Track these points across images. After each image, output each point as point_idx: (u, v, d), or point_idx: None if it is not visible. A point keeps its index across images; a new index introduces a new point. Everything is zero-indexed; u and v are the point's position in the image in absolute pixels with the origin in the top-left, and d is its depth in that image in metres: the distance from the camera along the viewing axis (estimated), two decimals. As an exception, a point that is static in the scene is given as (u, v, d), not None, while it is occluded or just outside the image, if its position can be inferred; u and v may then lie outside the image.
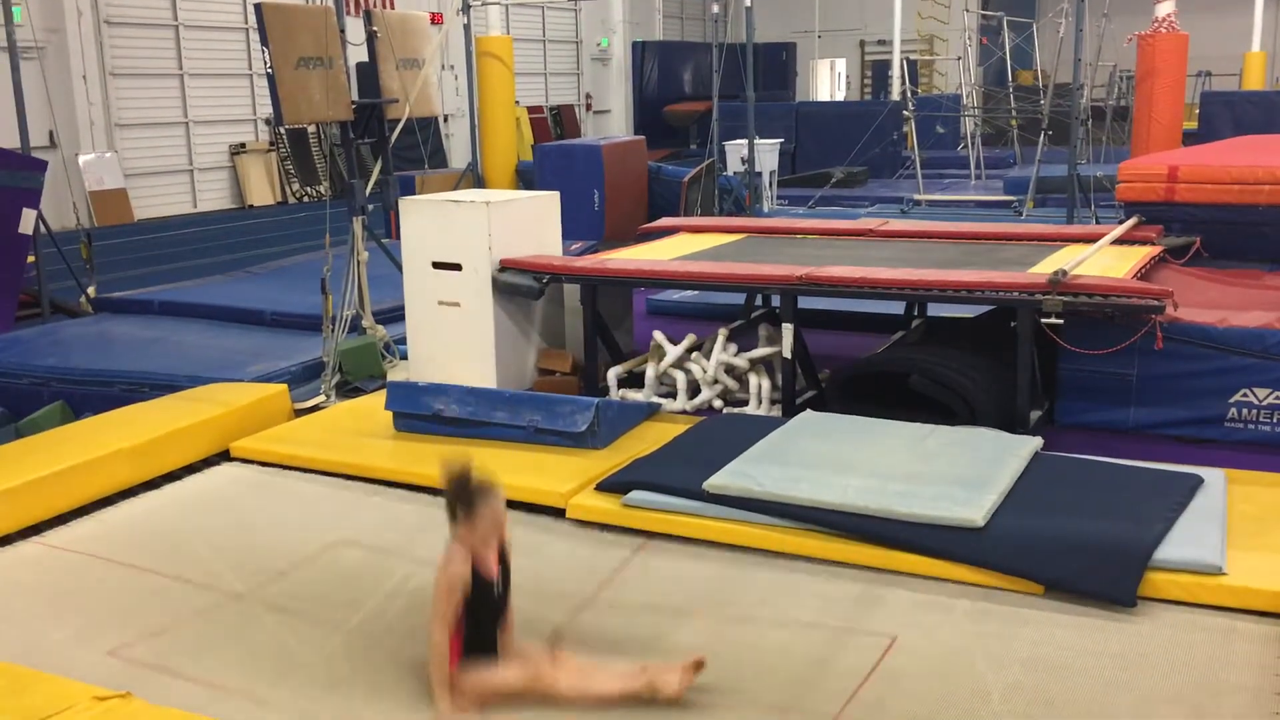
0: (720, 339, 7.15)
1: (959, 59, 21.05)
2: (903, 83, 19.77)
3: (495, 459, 5.62)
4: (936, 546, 4.47)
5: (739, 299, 8.50)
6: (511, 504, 5.21)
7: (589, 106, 26.44)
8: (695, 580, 4.55)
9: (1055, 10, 17.28)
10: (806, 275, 6.54)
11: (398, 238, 8.20)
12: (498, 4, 17.13)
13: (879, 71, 29.14)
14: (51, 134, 13.87)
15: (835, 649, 3.97)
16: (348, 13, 10.17)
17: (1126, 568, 4.20)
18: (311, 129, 17.76)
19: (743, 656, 3.91)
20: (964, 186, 17.21)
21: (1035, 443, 5.38)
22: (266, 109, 17.22)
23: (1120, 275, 6.39)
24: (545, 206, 7.81)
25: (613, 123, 26.67)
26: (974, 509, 4.56)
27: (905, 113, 18.23)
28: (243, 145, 17.55)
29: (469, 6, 15.92)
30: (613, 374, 7.24)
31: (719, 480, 4.95)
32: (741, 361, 7.02)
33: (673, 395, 7.07)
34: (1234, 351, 5.98)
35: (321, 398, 7.11)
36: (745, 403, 6.93)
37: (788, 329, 6.53)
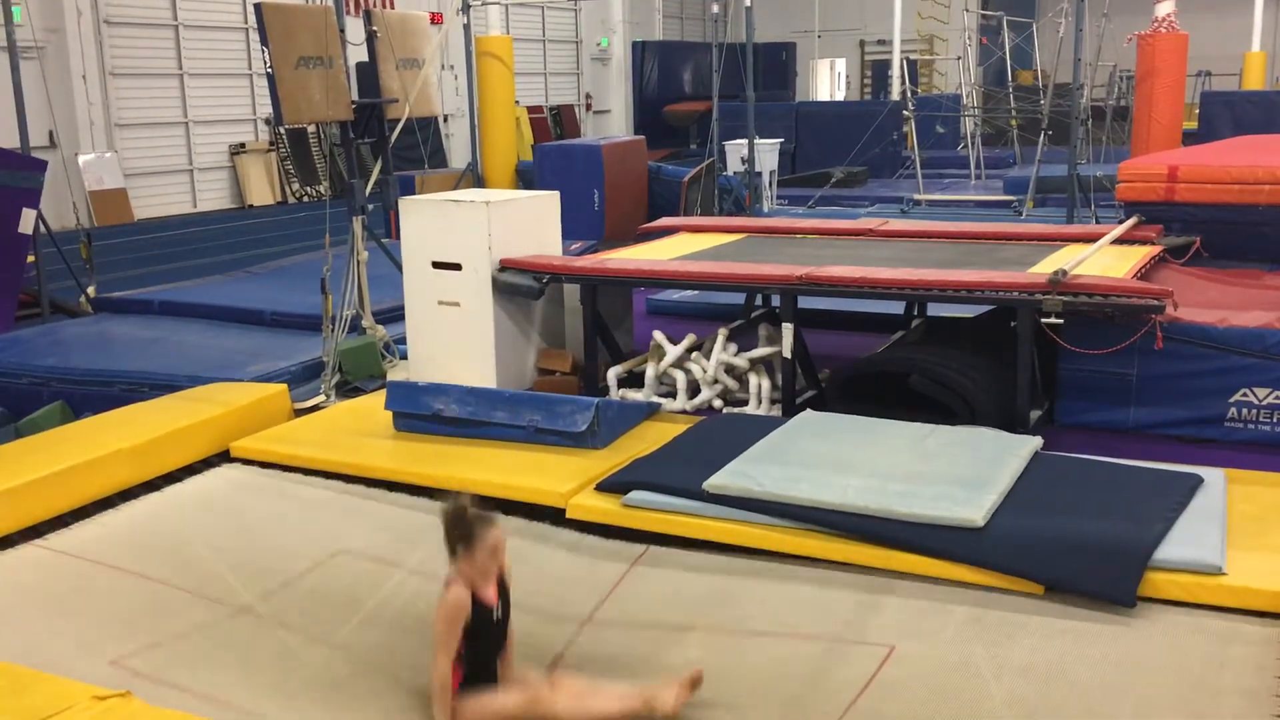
0: (720, 339, 7.15)
1: (959, 59, 21.05)
2: (903, 83, 19.77)
3: (495, 459, 5.65)
4: (936, 546, 4.46)
5: (739, 299, 8.50)
6: (511, 504, 5.26)
7: (589, 106, 26.44)
8: (693, 592, 4.52)
9: (1055, 10, 17.29)
10: (806, 275, 6.54)
11: (398, 238, 8.20)
12: (498, 4, 17.13)
13: (879, 71, 29.15)
14: (51, 134, 13.87)
15: (832, 660, 3.95)
16: (348, 12, 10.17)
17: (1126, 568, 4.19)
18: (311, 129, 17.76)
19: (740, 671, 3.90)
20: (964, 186, 17.21)
21: (1035, 443, 5.38)
22: (266, 109, 17.21)
23: (1120, 275, 6.39)
24: (545, 206, 7.81)
25: (613, 123, 26.67)
26: (974, 509, 4.55)
27: (905, 113, 18.23)
28: (242, 145, 17.55)
29: (469, 6, 15.92)
30: (613, 374, 7.24)
31: (719, 480, 4.95)
32: (741, 361, 7.01)
33: (673, 395, 7.07)
34: (1234, 351, 5.98)
35: (321, 398, 7.11)
36: (745, 403, 6.93)
37: (788, 329, 6.52)
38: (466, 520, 3.61)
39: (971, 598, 4.29)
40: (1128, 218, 8.40)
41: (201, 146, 17.02)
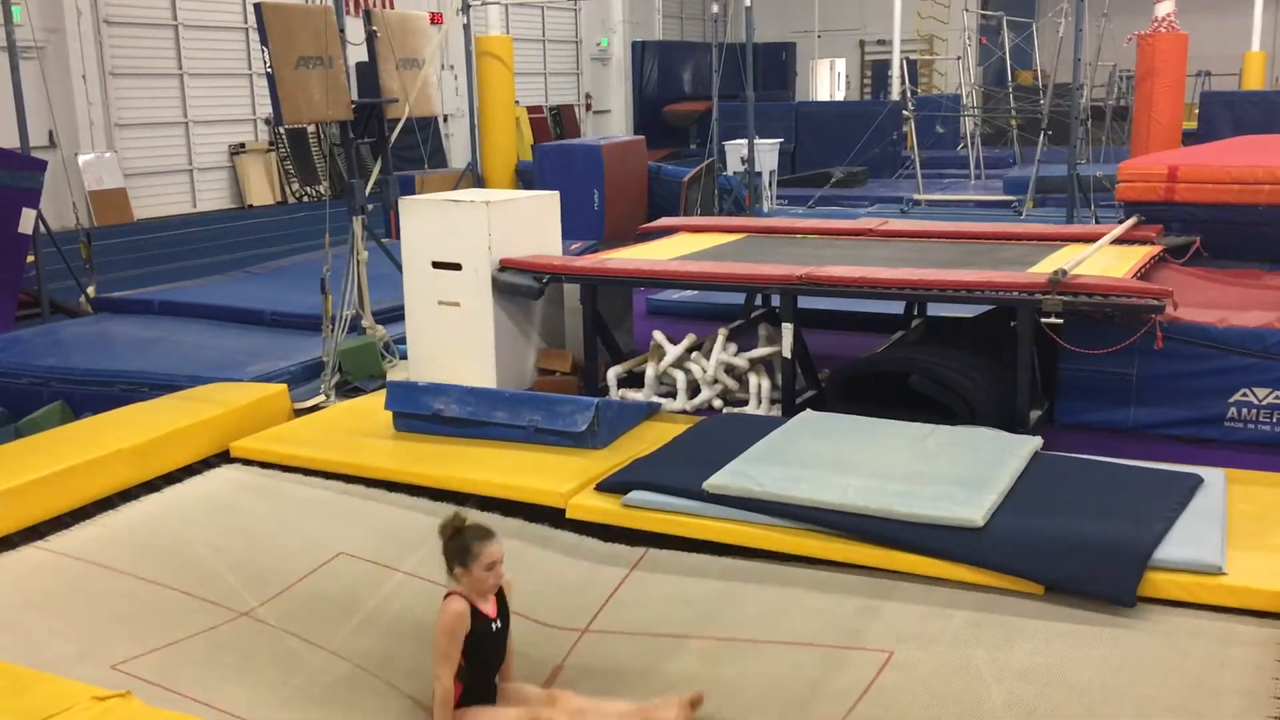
0: (720, 339, 7.15)
1: (959, 59, 21.05)
2: (902, 83, 19.77)
3: (495, 459, 5.65)
4: (936, 546, 4.46)
5: (739, 299, 8.50)
6: (511, 504, 5.26)
7: (589, 106, 26.43)
8: (692, 599, 4.51)
9: (1055, 10, 17.29)
10: (806, 275, 6.54)
11: (398, 237, 8.20)
12: (497, 4, 17.13)
13: (879, 71, 29.15)
14: (51, 134, 13.87)
15: (831, 668, 3.94)
16: (347, 12, 10.17)
17: (1126, 568, 4.19)
18: (311, 129, 17.75)
19: (739, 681, 3.90)
20: (964, 186, 17.22)
21: (1035, 442, 5.38)
22: (266, 109, 17.21)
23: (1120, 275, 6.39)
24: (545, 206, 7.81)
25: (613, 123, 26.66)
26: (974, 509, 4.55)
27: (905, 113, 18.23)
28: (242, 145, 17.55)
29: (469, 6, 15.92)
30: (613, 374, 7.24)
31: (719, 480, 4.95)
32: (741, 361, 7.01)
33: (673, 395, 7.07)
34: (1234, 351, 5.98)
35: (321, 398, 7.11)
36: (745, 403, 6.93)
37: (788, 329, 6.52)
38: (464, 536, 3.63)
39: (971, 599, 4.29)
40: (1128, 218, 8.40)
41: (201, 146, 17.01)
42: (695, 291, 9.06)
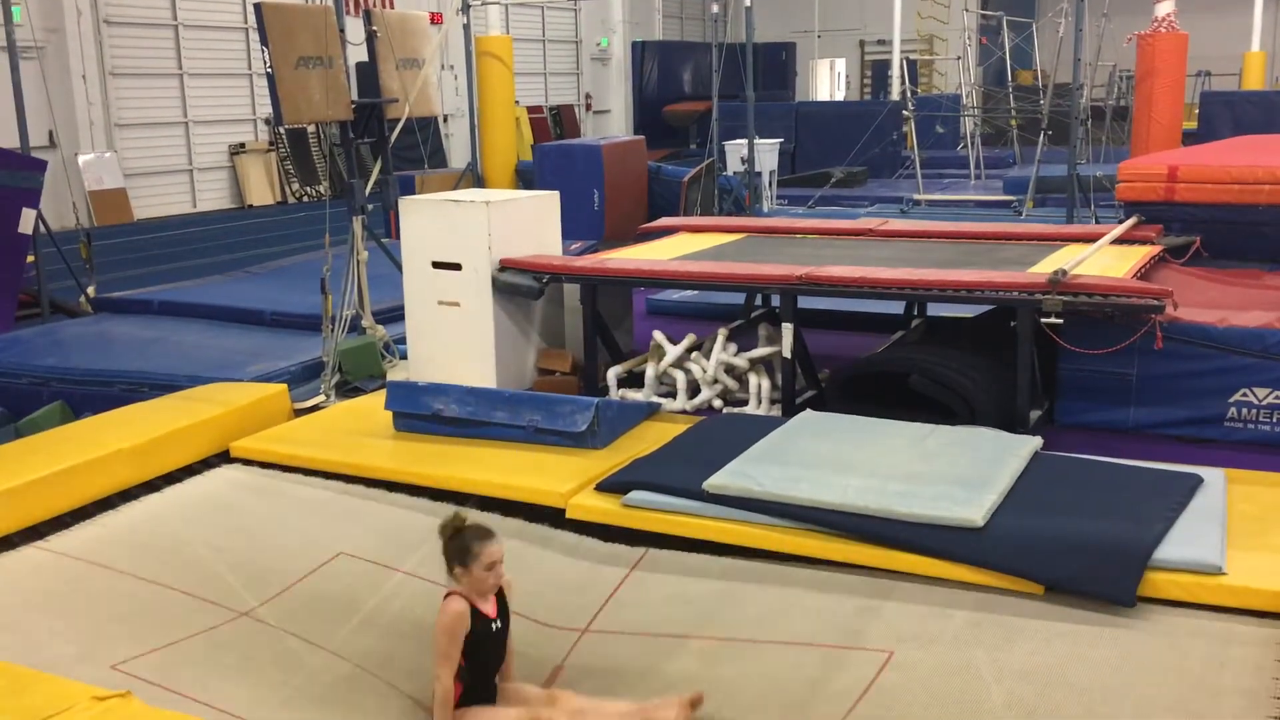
0: (720, 339, 7.15)
1: (959, 59, 21.05)
2: (902, 83, 19.77)
3: (495, 459, 5.65)
4: (936, 546, 4.46)
5: (739, 299, 8.50)
6: (511, 504, 5.26)
7: (589, 106, 26.43)
8: (692, 599, 4.51)
9: (1055, 10, 17.29)
10: (806, 275, 6.54)
11: (397, 237, 8.19)
12: (497, 4, 17.13)
13: (879, 71, 29.14)
14: (51, 134, 13.86)
15: (831, 668, 3.94)
16: (347, 12, 10.16)
17: (1126, 568, 4.19)
18: (311, 129, 17.75)
19: (739, 681, 3.90)
20: (964, 186, 17.21)
21: (1035, 442, 5.38)
22: (266, 109, 17.20)
23: (1120, 275, 6.39)
24: (545, 206, 7.81)
25: (613, 123, 26.66)
26: (974, 509, 4.55)
27: (905, 113, 18.23)
28: (242, 145, 17.54)
29: (469, 6, 15.92)
30: (613, 374, 7.24)
31: (719, 480, 4.95)
32: (741, 361, 7.01)
33: (673, 395, 7.07)
34: (1234, 351, 5.98)
35: (321, 398, 7.11)
36: (745, 403, 6.93)
37: (787, 329, 6.52)
38: (464, 536, 3.63)
39: (971, 599, 4.29)
40: (1128, 218, 8.40)
41: (201, 146, 17.01)
42: (695, 291, 9.06)
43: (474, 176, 15.83)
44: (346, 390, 7.28)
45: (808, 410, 6.09)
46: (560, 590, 4.63)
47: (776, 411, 6.69)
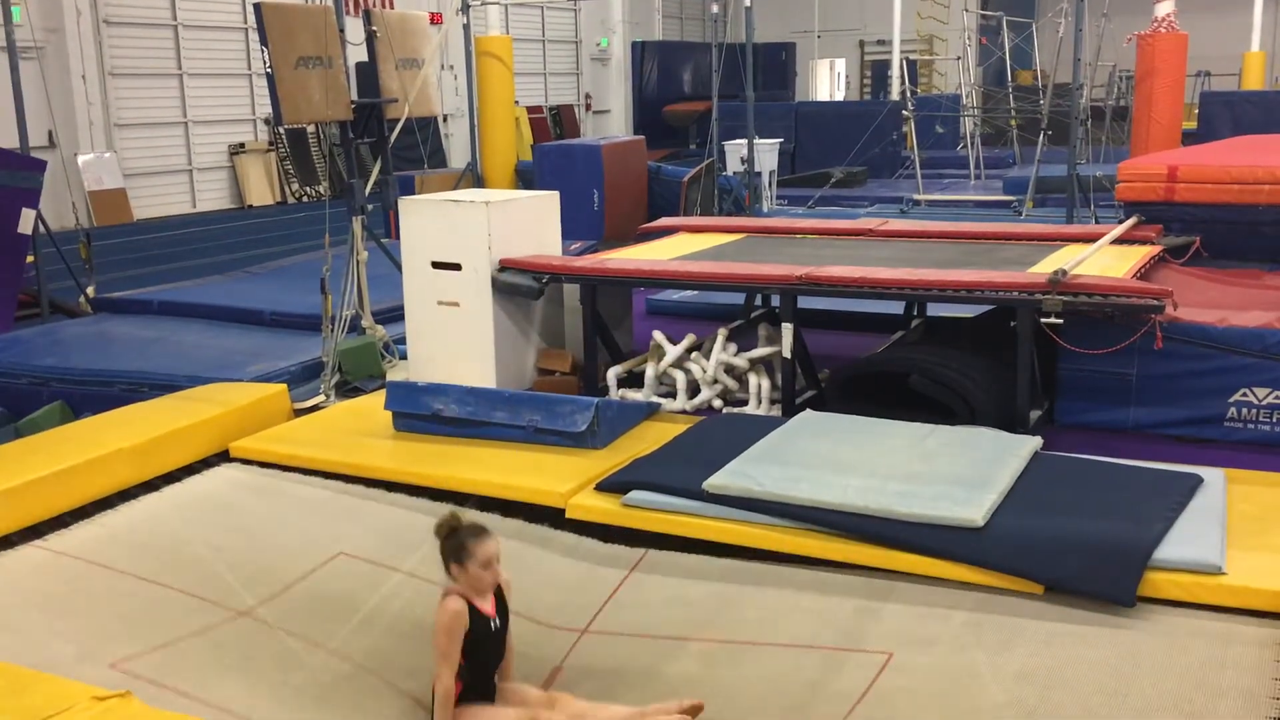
0: (720, 339, 7.15)
1: (958, 59, 21.04)
2: (902, 83, 19.76)
3: (495, 459, 5.65)
4: (936, 546, 4.46)
5: (739, 299, 8.50)
6: (511, 504, 5.25)
7: (589, 106, 26.42)
8: (692, 599, 4.51)
9: (1055, 10, 17.28)
10: (806, 275, 6.54)
11: (397, 238, 8.19)
12: (497, 4, 17.13)
13: (878, 71, 29.14)
14: (50, 134, 13.86)
15: (831, 670, 3.94)
16: (347, 12, 10.16)
17: (1126, 567, 4.19)
18: (311, 129, 17.75)
19: (739, 684, 3.90)
20: (963, 186, 17.21)
21: (1035, 442, 5.38)
22: (266, 109, 17.20)
23: (1120, 275, 6.39)
24: (545, 206, 7.81)
25: (612, 123, 26.65)
26: (974, 509, 4.55)
27: (905, 113, 18.23)
28: (242, 145, 17.54)
29: (468, 6, 15.91)
30: (612, 374, 7.24)
31: (719, 480, 4.95)
32: (741, 361, 7.01)
33: (672, 395, 7.07)
34: (1234, 351, 5.98)
35: (321, 398, 7.11)
36: (745, 403, 6.93)
37: (787, 329, 6.52)
38: (459, 534, 3.63)
39: (971, 599, 4.29)
40: (1127, 218, 8.40)
41: (201, 146, 17.01)
42: (695, 291, 9.06)
43: (474, 176, 15.82)
44: (346, 390, 7.28)
45: (808, 410, 6.09)
46: (560, 591, 4.63)
47: (776, 411, 6.69)
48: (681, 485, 5.01)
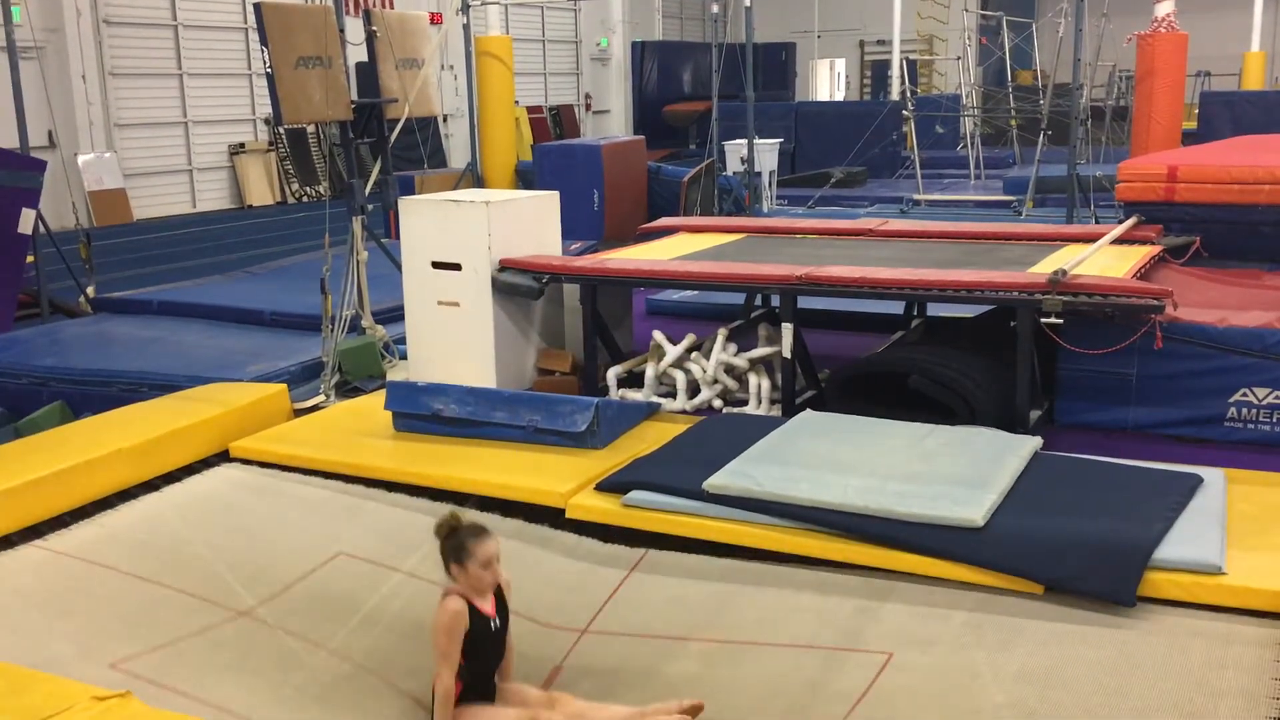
0: (720, 339, 7.15)
1: (958, 59, 21.05)
2: (902, 83, 19.77)
3: (495, 459, 5.65)
4: (936, 546, 4.46)
5: (739, 299, 8.50)
6: (511, 504, 5.25)
7: (588, 106, 26.43)
8: (692, 600, 4.51)
9: (1055, 10, 17.29)
10: (806, 275, 6.54)
11: (397, 238, 8.19)
12: (497, 4, 17.13)
13: (878, 71, 29.16)
14: (50, 134, 13.87)
15: (831, 670, 3.94)
16: (347, 12, 10.17)
17: (1126, 567, 4.19)
18: (311, 129, 17.76)
19: (739, 683, 3.90)
20: (963, 186, 17.22)
21: (1035, 442, 5.38)
22: (266, 109, 17.21)
23: (1120, 275, 6.39)
24: (545, 206, 7.81)
25: (612, 123, 26.66)
26: (974, 509, 4.55)
27: (905, 113, 18.23)
28: (242, 145, 17.55)
29: (468, 6, 15.91)
30: (612, 374, 7.24)
31: (719, 480, 4.95)
32: (741, 361, 7.01)
33: (672, 395, 7.07)
34: (1234, 351, 5.98)
35: (321, 398, 7.11)
36: (745, 403, 6.93)
37: (787, 329, 6.52)
38: (459, 534, 3.63)
39: (970, 600, 4.29)
40: (1127, 218, 8.40)
41: (201, 146, 17.02)
42: (695, 291, 9.06)
43: (474, 176, 15.82)
44: (346, 390, 7.28)
45: (808, 410, 6.09)
46: (559, 591, 4.63)
47: (776, 411, 6.69)
48: (681, 485, 5.01)
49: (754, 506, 4.82)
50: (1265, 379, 5.93)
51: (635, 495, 5.08)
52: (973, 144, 18.63)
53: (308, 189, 17.95)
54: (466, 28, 16.15)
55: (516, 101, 17.54)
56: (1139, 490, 4.84)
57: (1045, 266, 6.72)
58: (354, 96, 8.13)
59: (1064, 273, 5.96)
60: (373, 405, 6.51)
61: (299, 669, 4.04)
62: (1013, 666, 3.84)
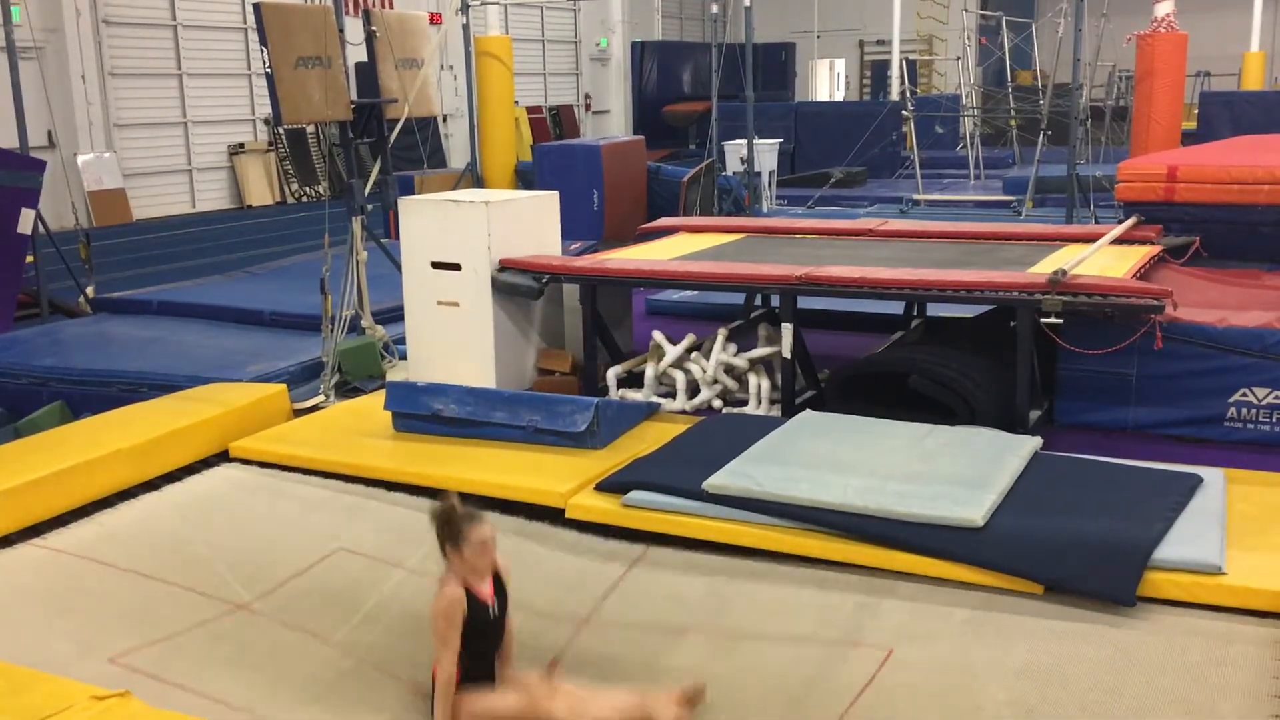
0: (720, 339, 7.15)
1: (958, 59, 21.04)
2: (902, 83, 19.76)
3: (494, 459, 5.65)
4: (936, 546, 4.46)
5: (739, 299, 8.50)
6: (511, 504, 5.25)
7: (588, 107, 26.43)
8: (693, 594, 4.52)
9: (1054, 10, 17.28)
10: (806, 275, 6.54)
11: (397, 238, 8.19)
12: (497, 4, 17.13)
13: (878, 71, 29.17)
14: (50, 134, 13.86)
15: (831, 664, 3.95)
16: (347, 12, 10.16)
17: (1126, 567, 4.19)
18: (310, 129, 17.75)
19: (739, 676, 3.90)
20: (963, 186, 17.21)
21: (1035, 442, 5.38)
22: (265, 109, 17.20)
23: (1120, 275, 6.39)
24: (544, 206, 7.81)
25: (612, 123, 26.66)
26: (974, 509, 4.55)
27: (904, 113, 18.23)
28: (241, 145, 17.54)
29: (468, 6, 15.91)
30: (612, 374, 7.23)
31: (719, 480, 4.95)
32: (741, 361, 7.01)
33: (672, 395, 7.07)
34: (1233, 351, 5.98)
35: (321, 398, 7.11)
36: (745, 403, 6.93)
37: (787, 329, 6.52)
38: (454, 518, 3.63)
39: (971, 598, 4.29)
40: (1127, 218, 8.40)
41: (200, 147, 17.01)
42: (695, 291, 9.06)
43: (473, 177, 15.82)
44: (346, 390, 7.28)
45: (807, 410, 6.09)
46: (559, 586, 4.64)
47: (776, 411, 6.68)
48: (681, 485, 5.01)
49: (754, 506, 4.82)
50: (1265, 379, 5.93)
51: (635, 495, 5.08)
52: (972, 144, 18.62)
53: (307, 189, 17.95)
54: (466, 28, 16.14)
55: (516, 102, 17.54)
56: (1139, 490, 4.84)
57: (1045, 266, 6.72)
58: (354, 96, 8.13)
59: (1064, 273, 5.96)
60: (372, 405, 6.51)
61: (297, 662, 4.04)
62: (1013, 664, 3.84)
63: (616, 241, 11.26)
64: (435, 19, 16.67)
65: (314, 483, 5.74)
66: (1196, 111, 17.00)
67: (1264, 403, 5.95)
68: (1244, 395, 5.99)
